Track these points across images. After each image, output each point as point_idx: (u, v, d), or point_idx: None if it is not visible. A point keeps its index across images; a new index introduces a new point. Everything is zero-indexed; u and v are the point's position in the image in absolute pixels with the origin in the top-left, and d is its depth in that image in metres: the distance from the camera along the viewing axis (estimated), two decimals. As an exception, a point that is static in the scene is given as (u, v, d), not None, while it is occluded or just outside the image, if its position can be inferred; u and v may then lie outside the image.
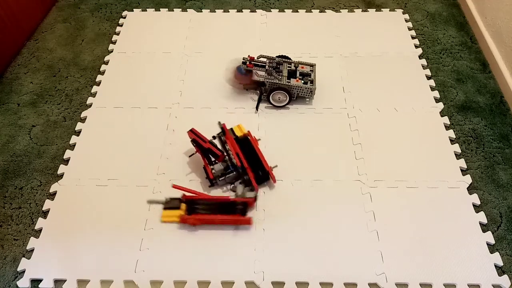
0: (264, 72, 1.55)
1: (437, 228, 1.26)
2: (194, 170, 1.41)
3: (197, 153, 1.37)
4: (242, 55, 1.67)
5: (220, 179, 1.33)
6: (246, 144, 1.40)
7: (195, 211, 1.27)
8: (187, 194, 1.30)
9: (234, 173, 1.34)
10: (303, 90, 1.55)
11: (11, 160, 1.47)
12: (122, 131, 1.53)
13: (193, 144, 1.35)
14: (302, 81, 1.54)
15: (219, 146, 1.38)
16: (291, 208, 1.31)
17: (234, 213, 1.25)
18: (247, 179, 1.32)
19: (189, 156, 1.44)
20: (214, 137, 1.42)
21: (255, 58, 1.60)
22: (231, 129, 1.45)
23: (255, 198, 1.29)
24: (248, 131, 1.42)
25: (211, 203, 1.29)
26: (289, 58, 1.64)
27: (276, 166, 1.38)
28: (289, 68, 1.59)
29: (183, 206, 1.27)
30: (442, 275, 1.17)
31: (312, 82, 1.56)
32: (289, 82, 1.54)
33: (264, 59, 1.61)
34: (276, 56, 1.63)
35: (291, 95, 1.56)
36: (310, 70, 1.59)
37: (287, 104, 1.59)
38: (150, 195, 1.35)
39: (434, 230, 1.26)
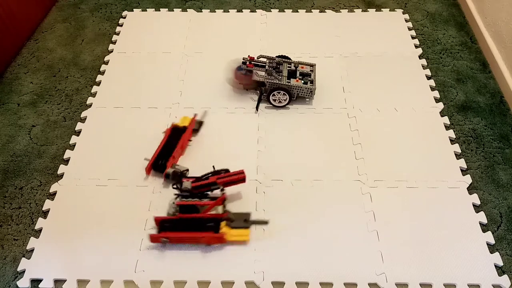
0: (264, 72, 1.55)
1: (437, 228, 1.26)
2: (194, 170, 1.41)
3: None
4: (242, 55, 1.67)
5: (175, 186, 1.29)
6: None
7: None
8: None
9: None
10: (303, 90, 1.55)
11: (11, 160, 1.47)
12: (122, 131, 1.53)
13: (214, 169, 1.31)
14: (302, 81, 1.54)
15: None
16: (291, 208, 1.31)
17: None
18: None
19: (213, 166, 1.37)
20: (221, 190, 1.29)
21: (255, 58, 1.60)
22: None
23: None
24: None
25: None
26: (289, 58, 1.64)
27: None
28: (289, 68, 1.59)
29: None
30: (442, 275, 1.17)
31: (312, 82, 1.56)
32: (289, 82, 1.54)
33: (264, 59, 1.61)
34: (276, 56, 1.63)
35: (291, 95, 1.56)
36: (310, 70, 1.59)
37: (287, 104, 1.59)
38: (150, 195, 1.35)
39: (434, 230, 1.26)
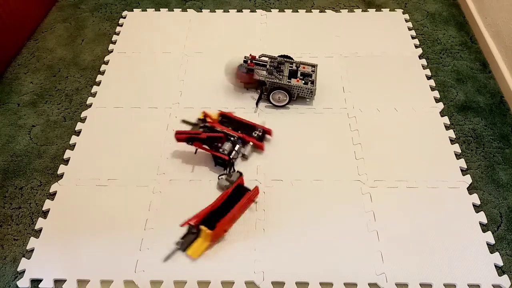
0: (265, 71, 1.55)
1: (437, 228, 1.26)
2: (194, 170, 1.41)
3: (200, 148, 1.38)
4: (242, 55, 1.67)
5: (233, 157, 1.38)
6: (228, 118, 1.49)
7: (217, 219, 1.19)
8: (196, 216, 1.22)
9: (240, 144, 1.41)
10: (303, 90, 1.55)
11: (11, 160, 1.47)
12: (122, 131, 1.53)
13: (189, 143, 1.36)
14: (303, 82, 1.54)
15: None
16: (291, 208, 1.31)
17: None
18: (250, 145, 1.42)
19: (195, 153, 1.43)
20: (202, 127, 1.43)
21: (257, 57, 1.60)
22: (204, 118, 1.47)
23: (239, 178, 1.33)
24: (219, 111, 1.49)
25: (223, 203, 1.25)
26: (291, 58, 1.64)
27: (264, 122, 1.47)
28: (290, 68, 1.59)
29: (203, 228, 1.19)
30: (442, 275, 1.17)
31: (312, 82, 1.56)
32: (290, 82, 1.54)
33: (266, 59, 1.61)
34: (278, 56, 1.63)
35: (291, 95, 1.56)
36: (312, 71, 1.59)
37: (287, 104, 1.59)
38: (150, 195, 1.35)
39: (434, 230, 1.26)
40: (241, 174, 1.33)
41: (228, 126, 1.45)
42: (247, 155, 1.42)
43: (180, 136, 1.36)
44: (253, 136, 1.44)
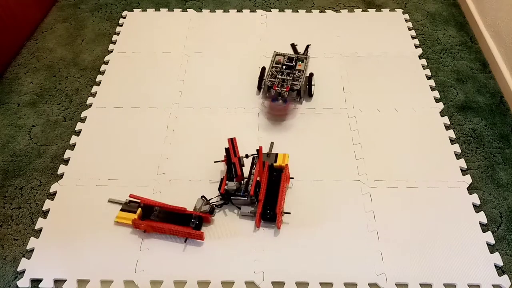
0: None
1: (437, 228, 1.26)
2: (194, 170, 1.41)
3: (223, 162, 1.35)
4: (242, 55, 1.67)
5: (231, 197, 1.28)
6: (276, 177, 1.31)
7: (149, 217, 1.25)
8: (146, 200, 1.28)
9: (245, 199, 1.26)
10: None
11: (11, 160, 1.47)
12: (122, 131, 1.53)
13: (225, 153, 1.31)
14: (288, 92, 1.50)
15: (249, 167, 1.32)
16: (291, 208, 1.31)
17: (187, 225, 1.23)
18: (254, 210, 1.27)
19: (214, 162, 1.40)
20: (247, 156, 1.33)
21: (273, 70, 1.59)
22: (276, 154, 1.37)
23: (210, 213, 1.26)
24: (286, 165, 1.33)
25: (166, 212, 1.26)
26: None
27: (289, 213, 1.29)
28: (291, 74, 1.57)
29: (139, 211, 1.26)
30: (442, 275, 1.17)
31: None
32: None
33: (281, 57, 1.62)
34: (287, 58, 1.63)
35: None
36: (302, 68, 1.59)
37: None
38: (150, 195, 1.35)
39: (434, 230, 1.26)
40: (211, 211, 1.28)
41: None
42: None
43: (228, 141, 1.30)
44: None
